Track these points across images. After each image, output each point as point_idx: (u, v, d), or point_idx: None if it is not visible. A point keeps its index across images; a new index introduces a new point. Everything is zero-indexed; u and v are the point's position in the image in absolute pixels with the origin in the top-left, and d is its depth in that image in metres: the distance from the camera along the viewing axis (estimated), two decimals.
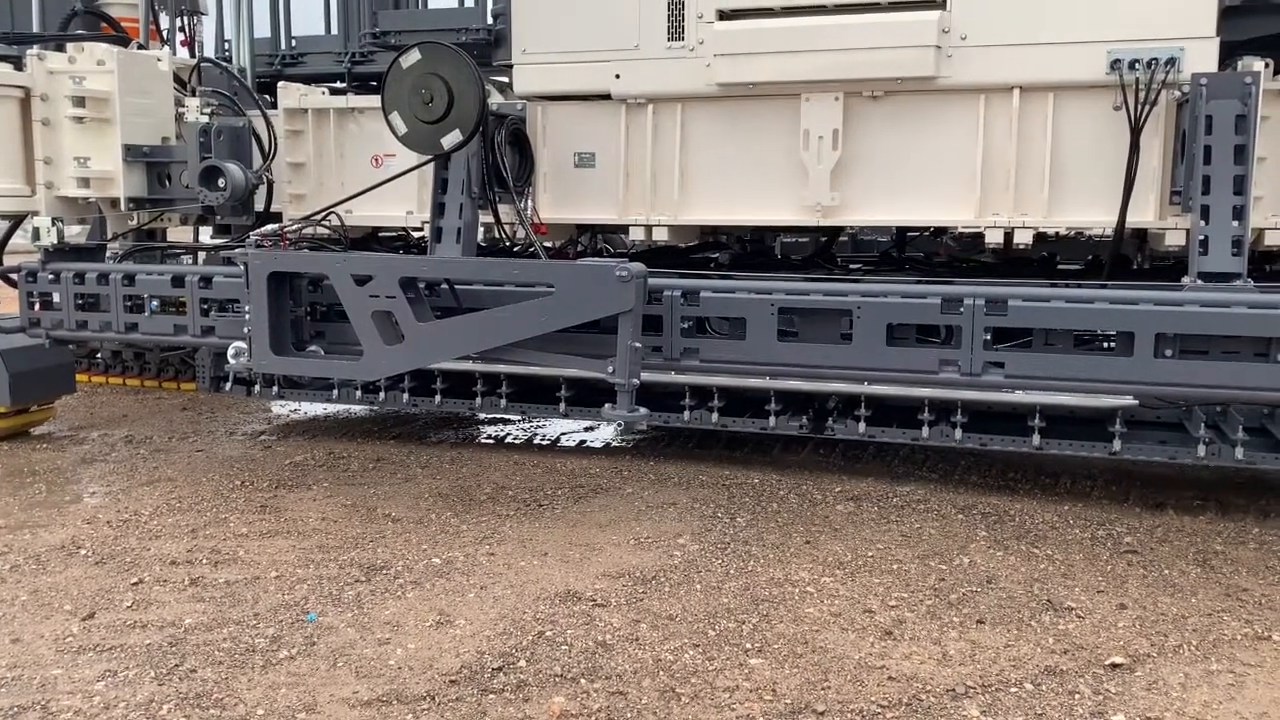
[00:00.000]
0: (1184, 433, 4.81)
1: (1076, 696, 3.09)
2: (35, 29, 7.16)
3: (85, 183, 5.74)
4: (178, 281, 5.49)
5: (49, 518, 4.75)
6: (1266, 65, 4.48)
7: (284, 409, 7.07)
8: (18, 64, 5.72)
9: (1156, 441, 4.81)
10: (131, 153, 5.74)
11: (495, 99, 5.40)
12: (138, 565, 4.15)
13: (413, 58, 4.91)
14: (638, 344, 4.40)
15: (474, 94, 4.87)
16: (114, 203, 5.84)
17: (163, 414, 6.94)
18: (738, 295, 4.69)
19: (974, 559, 4.16)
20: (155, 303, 5.54)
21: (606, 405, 4.55)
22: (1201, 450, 4.60)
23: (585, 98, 5.46)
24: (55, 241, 5.68)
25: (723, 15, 5.08)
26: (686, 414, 5.31)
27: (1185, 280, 4.40)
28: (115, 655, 3.36)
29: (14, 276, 5.82)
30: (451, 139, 4.94)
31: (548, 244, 5.69)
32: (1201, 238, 4.37)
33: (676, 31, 5.13)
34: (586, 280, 4.39)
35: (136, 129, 5.78)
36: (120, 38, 6.30)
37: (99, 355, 7.98)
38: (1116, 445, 4.71)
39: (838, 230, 6.25)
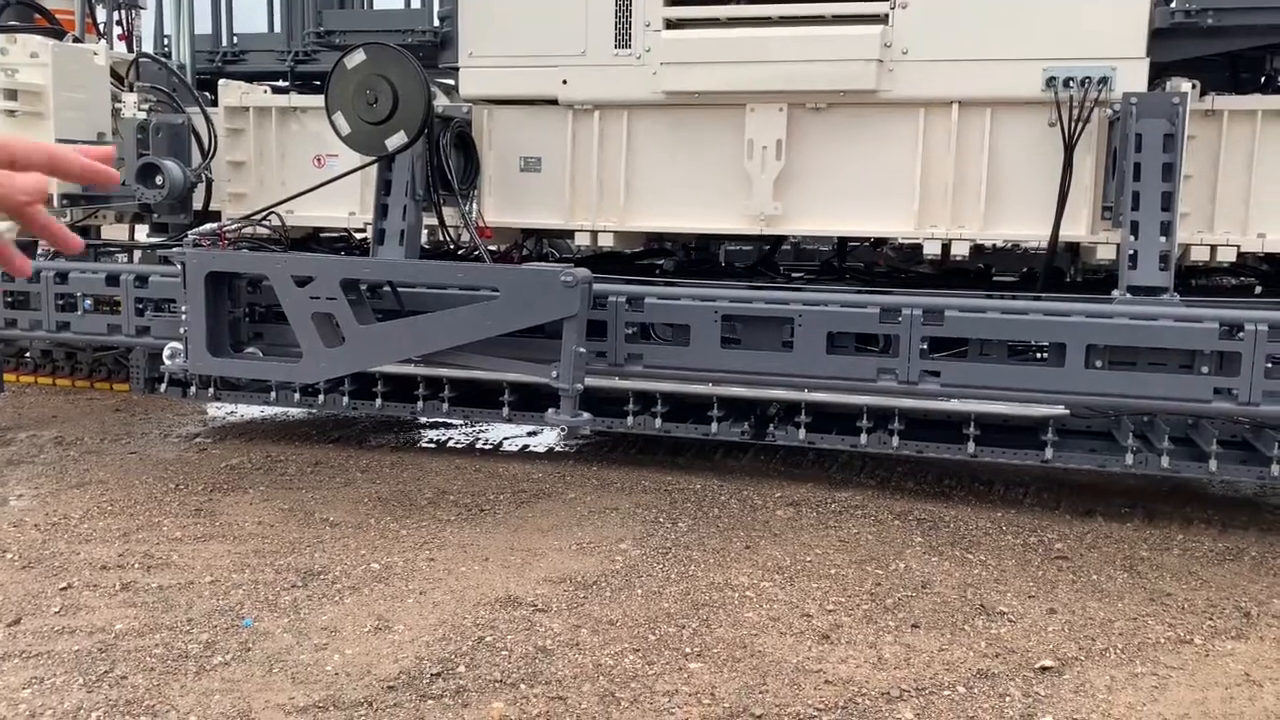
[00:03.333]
0: (1113, 442, 4.94)
1: (1007, 699, 3.16)
2: None
3: None
4: (112, 280, 5.38)
5: None
6: (1194, 86, 4.64)
7: (220, 411, 6.95)
8: None
9: (1086, 450, 4.93)
10: None
11: (441, 101, 5.38)
12: (66, 569, 4.05)
13: (358, 58, 4.88)
14: (582, 349, 4.41)
15: (419, 96, 4.85)
16: (46, 199, 5.69)
17: (94, 415, 6.79)
18: (682, 302, 4.73)
19: (909, 564, 4.23)
20: (89, 302, 5.42)
21: (550, 410, 4.56)
22: (1129, 459, 4.73)
23: (532, 102, 5.46)
24: None
25: (669, 24, 5.12)
26: (630, 419, 5.33)
27: (1115, 294, 4.53)
28: (42, 662, 3.28)
29: None
30: (396, 140, 4.91)
31: (492, 248, 5.68)
32: (1131, 252, 4.51)
33: (624, 39, 5.16)
34: (532, 285, 4.40)
35: (71, 124, 5.65)
36: (55, 30, 6.15)
37: (28, 354, 7.78)
38: (1048, 453, 4.82)
39: (780, 239, 6.32)
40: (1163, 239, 4.47)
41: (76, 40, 6.06)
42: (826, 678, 3.26)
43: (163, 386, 6.27)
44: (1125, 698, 3.18)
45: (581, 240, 5.53)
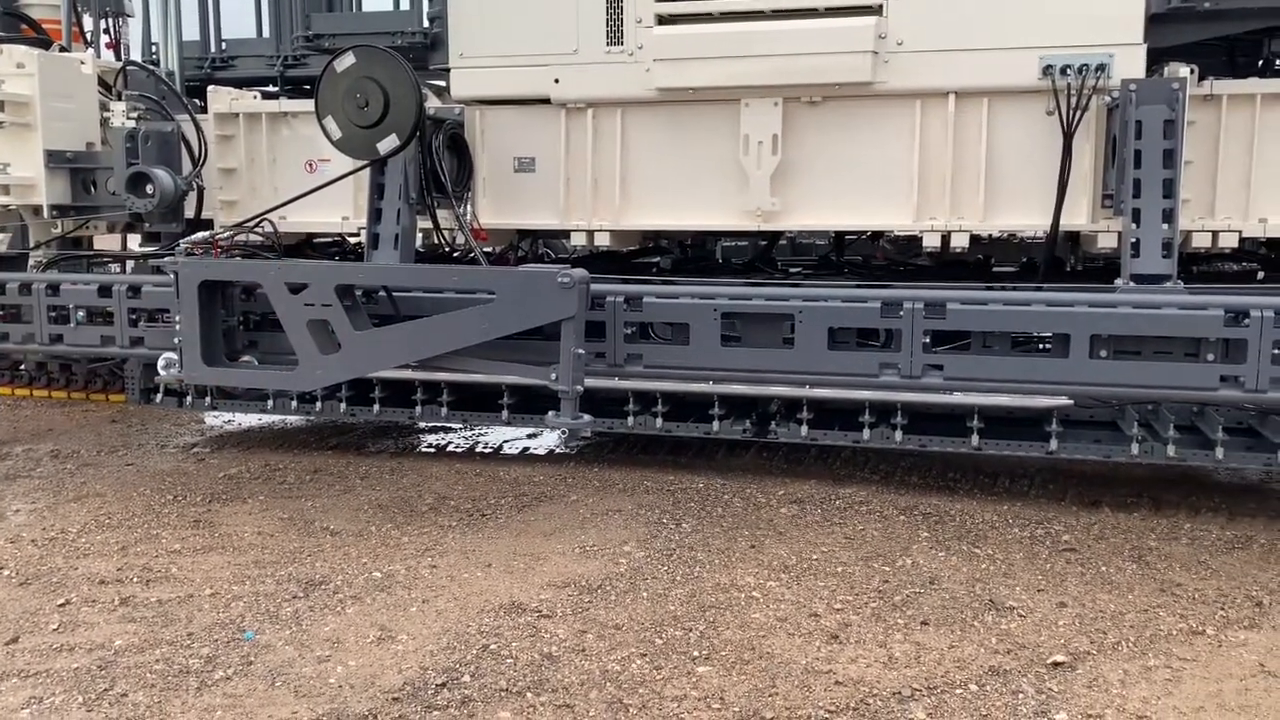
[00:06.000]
0: (1118, 431, 4.90)
1: (1020, 696, 3.12)
2: None
3: (5, 190, 5.55)
4: (104, 291, 5.33)
5: None
6: (1192, 71, 4.59)
7: (217, 420, 6.90)
8: None
9: (1091, 440, 4.89)
10: (54, 158, 5.56)
11: (432, 103, 5.33)
12: (65, 585, 4.00)
13: (347, 61, 4.83)
14: (581, 350, 4.37)
15: (410, 98, 4.80)
16: (36, 210, 5.65)
17: (91, 427, 6.73)
18: (681, 301, 4.69)
19: (916, 560, 4.19)
20: (81, 313, 5.37)
21: (550, 413, 4.52)
22: (1135, 448, 4.69)
23: (524, 102, 5.41)
24: None
25: (661, 20, 5.08)
26: (630, 420, 5.28)
27: (1118, 282, 4.49)
28: (41, 681, 3.23)
29: None
30: (388, 144, 4.86)
31: (487, 250, 5.63)
32: (1133, 240, 4.47)
33: (615, 36, 5.12)
34: (528, 287, 4.35)
35: (59, 134, 5.60)
36: (41, 39, 6.11)
37: (22, 367, 7.72)
38: (1053, 445, 4.78)
39: (778, 234, 6.28)
40: (1165, 226, 4.43)
41: (63, 49, 6.01)
42: (837, 678, 3.22)
43: (158, 397, 6.22)
44: (1139, 692, 3.14)
45: (577, 240, 5.48)
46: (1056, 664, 3.31)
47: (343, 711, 3.03)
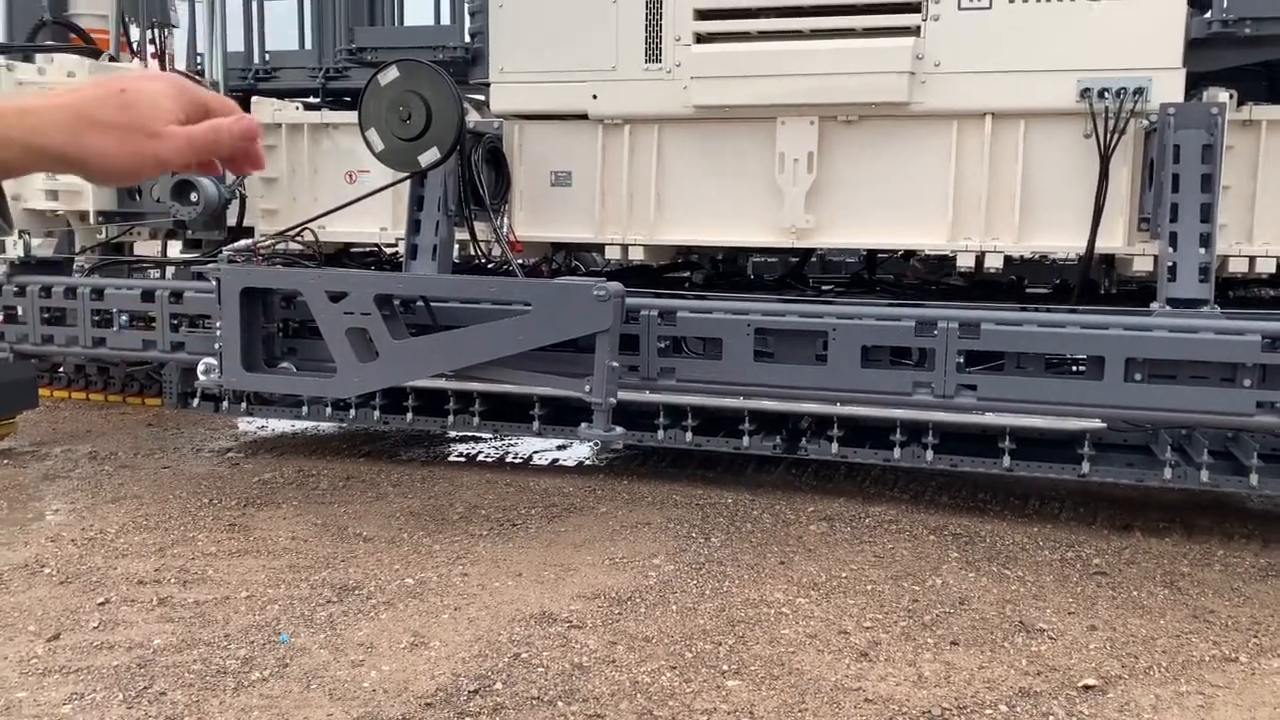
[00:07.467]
0: (1150, 455, 4.87)
1: (1050, 718, 3.11)
2: (2, 39, 7.07)
3: (53, 195, 5.67)
4: (148, 296, 5.42)
5: (10, 536, 4.66)
6: (1231, 96, 4.59)
7: (251, 426, 6.98)
8: None
9: (1124, 464, 4.86)
10: None
11: (472, 117, 5.41)
12: (104, 584, 4.08)
13: (391, 75, 4.91)
14: (615, 363, 4.40)
15: (452, 112, 4.87)
16: (82, 216, 5.77)
17: (127, 430, 6.84)
18: (714, 316, 4.71)
19: (946, 580, 4.19)
20: (124, 317, 5.47)
21: (583, 424, 4.55)
22: (1168, 473, 4.65)
23: (562, 117, 5.48)
24: (21, 254, 5.60)
25: (699, 38, 5.13)
26: (661, 433, 5.31)
27: (1154, 306, 4.48)
28: (82, 677, 3.29)
29: None
30: (429, 156, 4.93)
31: (522, 262, 5.69)
32: (1169, 264, 4.45)
33: (654, 54, 5.17)
34: (564, 299, 4.39)
35: None
36: (91, 49, 6.24)
37: (61, 369, 7.85)
38: (1085, 467, 4.75)
39: (810, 251, 6.30)
40: (1202, 250, 4.41)
41: (112, 59, 6.14)
42: (866, 696, 3.23)
43: (195, 401, 6.31)
44: (1171, 717, 3.13)
45: (612, 254, 5.52)
46: (1087, 687, 3.30)
47: (377, 715, 3.07)
